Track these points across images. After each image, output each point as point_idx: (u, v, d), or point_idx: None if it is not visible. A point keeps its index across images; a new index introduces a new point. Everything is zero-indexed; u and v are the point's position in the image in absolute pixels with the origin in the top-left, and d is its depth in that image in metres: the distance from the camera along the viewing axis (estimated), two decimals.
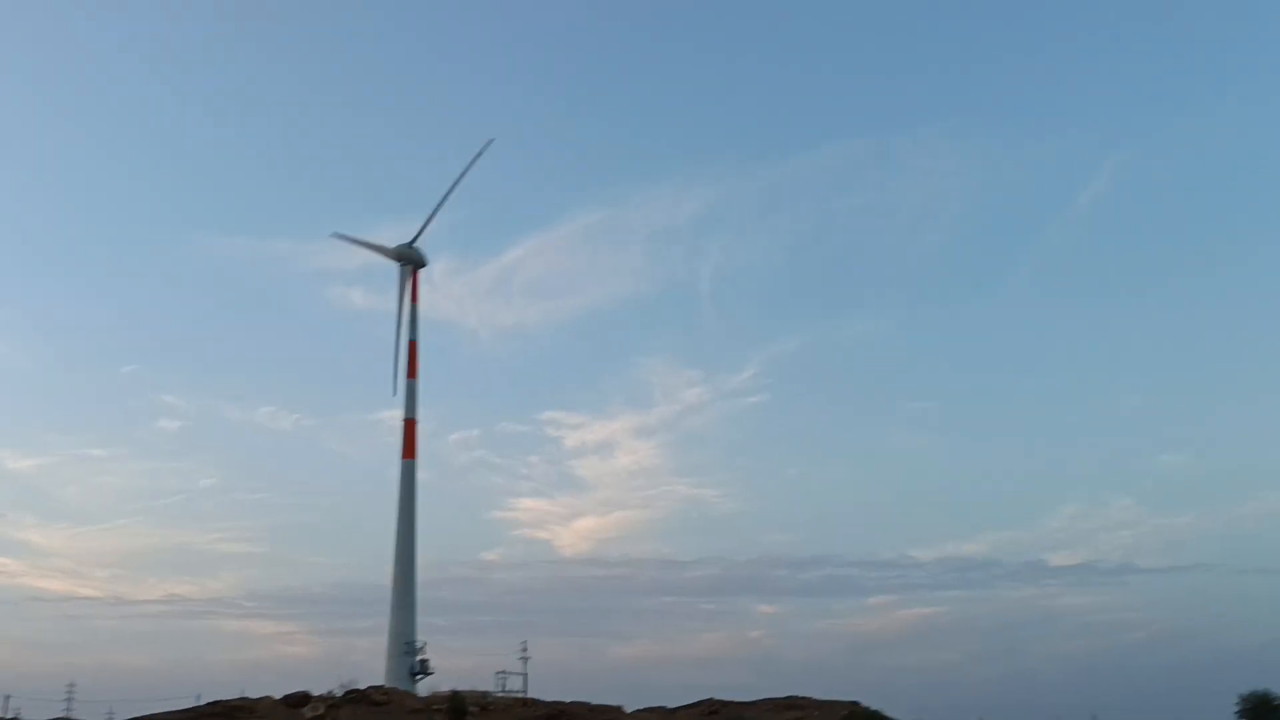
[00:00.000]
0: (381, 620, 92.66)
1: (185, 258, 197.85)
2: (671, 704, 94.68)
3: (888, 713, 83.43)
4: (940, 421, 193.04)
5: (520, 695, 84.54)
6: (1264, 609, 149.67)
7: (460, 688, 78.94)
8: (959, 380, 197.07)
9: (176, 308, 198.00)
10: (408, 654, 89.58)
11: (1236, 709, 77.24)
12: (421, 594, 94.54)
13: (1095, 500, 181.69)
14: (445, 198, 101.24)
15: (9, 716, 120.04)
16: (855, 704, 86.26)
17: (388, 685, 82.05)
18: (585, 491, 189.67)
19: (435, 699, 77.15)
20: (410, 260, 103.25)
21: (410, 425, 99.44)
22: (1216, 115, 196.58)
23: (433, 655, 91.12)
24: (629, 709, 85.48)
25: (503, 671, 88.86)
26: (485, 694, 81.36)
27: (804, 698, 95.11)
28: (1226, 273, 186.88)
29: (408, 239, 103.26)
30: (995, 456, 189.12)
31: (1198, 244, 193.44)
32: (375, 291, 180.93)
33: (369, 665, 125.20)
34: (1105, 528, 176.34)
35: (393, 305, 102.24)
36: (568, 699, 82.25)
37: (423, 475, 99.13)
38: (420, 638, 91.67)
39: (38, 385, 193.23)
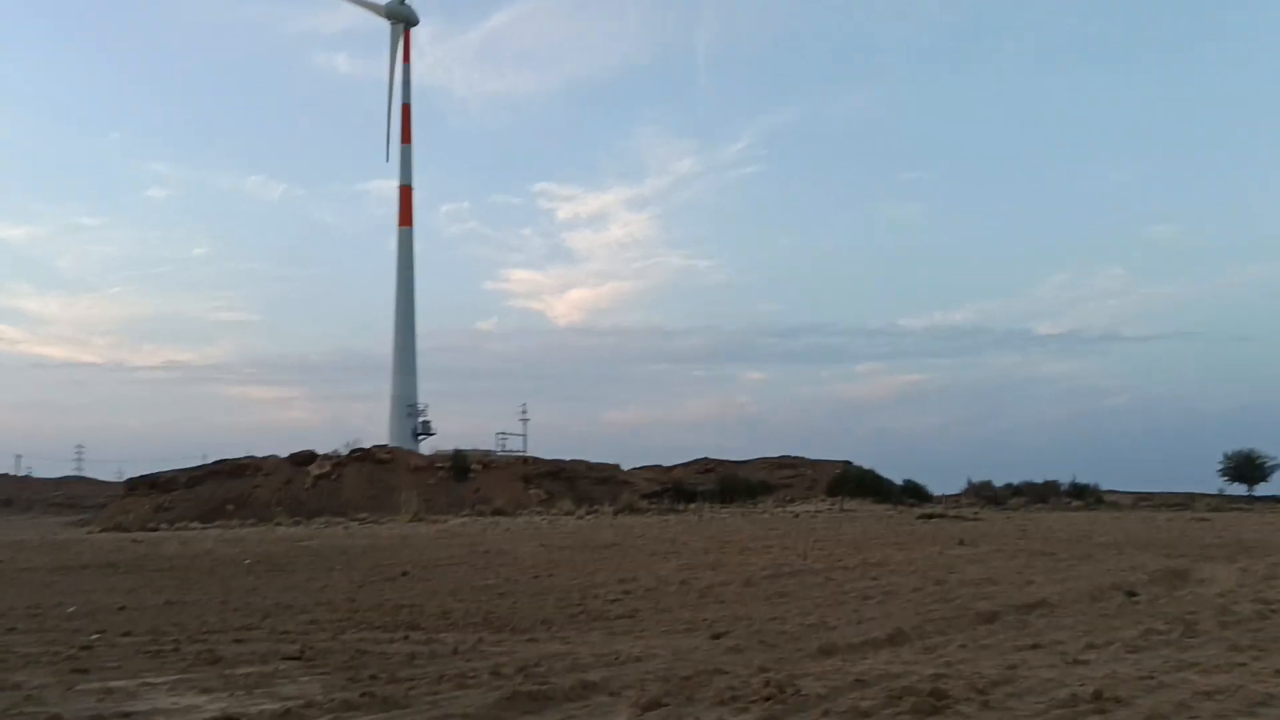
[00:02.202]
0: (379, 386, 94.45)
1: (167, 21, 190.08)
2: (667, 463, 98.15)
3: (877, 473, 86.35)
4: (933, 192, 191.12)
5: (520, 454, 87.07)
6: (1243, 374, 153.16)
7: (462, 447, 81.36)
8: (953, 151, 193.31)
9: (159, 73, 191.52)
10: (410, 415, 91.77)
11: (1220, 467, 80.00)
12: (419, 361, 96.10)
13: (1084, 270, 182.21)
14: None
15: (22, 474, 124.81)
16: (848, 464, 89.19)
17: (391, 445, 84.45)
18: (578, 263, 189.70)
19: (438, 457, 79.53)
20: (402, 18, 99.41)
21: (406, 192, 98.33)
22: None
23: (433, 418, 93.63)
24: (625, 468, 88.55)
25: (502, 432, 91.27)
26: (487, 453, 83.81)
27: (796, 458, 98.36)
28: (1220, 43, 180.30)
29: None
30: (986, 227, 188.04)
31: (1193, 11, 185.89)
32: (361, 56, 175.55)
33: (369, 429, 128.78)
34: (1092, 296, 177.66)
35: (380, 70, 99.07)
36: (565, 458, 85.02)
37: (416, 246, 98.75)
38: (421, 401, 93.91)
39: (22, 152, 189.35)
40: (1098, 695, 8.51)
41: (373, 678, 10.05)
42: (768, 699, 8.54)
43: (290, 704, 8.66)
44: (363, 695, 8.85)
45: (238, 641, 13.03)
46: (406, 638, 13.14)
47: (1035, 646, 11.66)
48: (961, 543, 29.91)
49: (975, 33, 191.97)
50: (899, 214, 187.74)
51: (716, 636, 12.64)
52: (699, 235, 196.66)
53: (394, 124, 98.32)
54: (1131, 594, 17.17)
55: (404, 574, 22.89)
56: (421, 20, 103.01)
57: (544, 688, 9.18)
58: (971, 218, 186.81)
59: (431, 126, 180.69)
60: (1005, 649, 11.57)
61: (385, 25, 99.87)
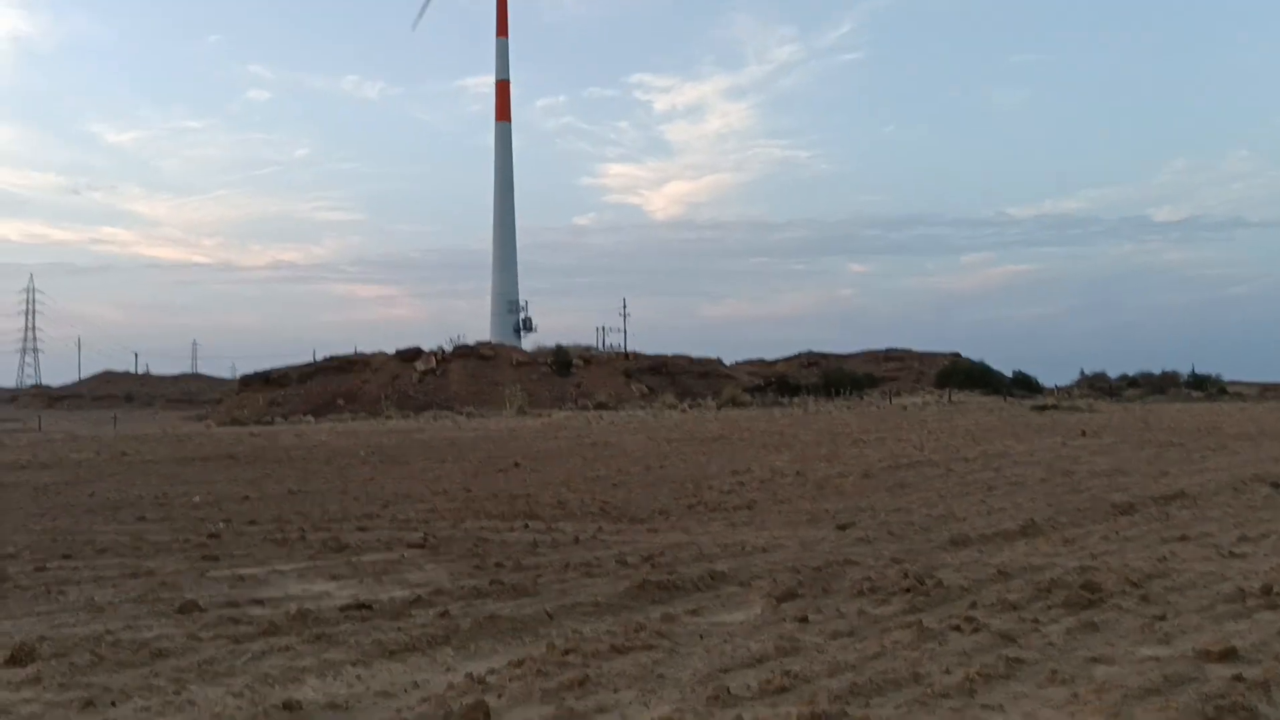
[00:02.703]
0: (480, 283, 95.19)
1: None
2: (768, 357, 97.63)
3: (987, 364, 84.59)
4: (1042, 75, 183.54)
5: (621, 350, 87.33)
6: None
7: (563, 343, 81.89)
8: (1062, 31, 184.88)
9: None
10: (511, 312, 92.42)
11: None
12: (519, 258, 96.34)
13: (1206, 153, 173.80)
14: None
15: (141, 371, 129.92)
16: (956, 355, 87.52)
17: (494, 341, 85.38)
18: (675, 156, 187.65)
19: (541, 353, 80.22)
20: None
21: (503, 86, 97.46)
22: None
23: (534, 315, 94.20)
24: (723, 361, 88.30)
25: (603, 327, 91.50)
26: (588, 348, 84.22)
27: (902, 350, 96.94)
28: None
29: None
30: (1099, 111, 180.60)
31: None
32: None
33: (471, 325, 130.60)
34: (1214, 181, 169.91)
35: None
36: (666, 353, 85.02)
37: (513, 143, 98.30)
38: (521, 298, 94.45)
39: (126, 58, 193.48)
40: (1267, 590, 7.94)
41: (498, 565, 9.95)
42: (908, 590, 8.17)
43: (420, 591, 8.57)
44: (492, 583, 8.72)
45: (361, 530, 13.11)
46: (526, 526, 13.08)
47: (1183, 539, 11.07)
48: (1084, 434, 28.98)
49: None
50: (1007, 99, 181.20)
51: (843, 528, 12.30)
52: (799, 125, 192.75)
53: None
54: (1277, 485, 16.34)
55: (515, 465, 23.00)
56: None
57: (672, 577, 8.94)
58: (1083, 101, 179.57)
59: (526, 21, 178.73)
60: (1150, 541, 11.00)
61: None
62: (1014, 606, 7.52)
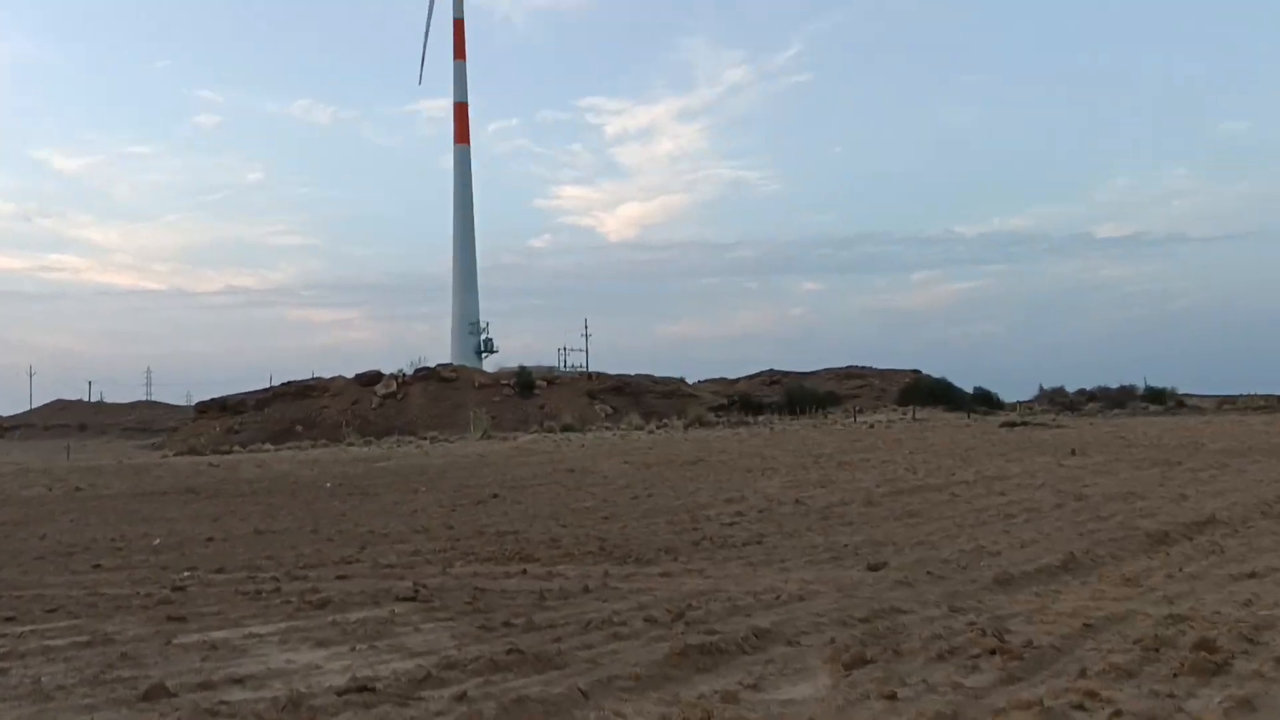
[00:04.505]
0: (439, 305, 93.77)
1: None
2: (730, 376, 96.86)
3: (949, 381, 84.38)
4: (988, 95, 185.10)
5: (583, 371, 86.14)
6: None
7: (525, 364, 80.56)
8: (1008, 51, 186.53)
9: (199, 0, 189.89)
10: (472, 334, 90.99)
11: None
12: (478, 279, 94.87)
13: (1148, 171, 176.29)
14: None
15: (95, 399, 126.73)
16: (917, 372, 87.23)
17: (455, 363, 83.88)
18: (628, 178, 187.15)
19: (503, 374, 78.89)
20: None
21: (461, 109, 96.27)
22: None
23: (493, 336, 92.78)
24: (686, 381, 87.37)
25: (564, 348, 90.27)
26: (551, 369, 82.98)
27: (863, 368, 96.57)
28: None
29: None
30: (1044, 130, 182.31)
31: None
32: None
33: (431, 347, 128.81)
34: (1157, 199, 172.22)
35: None
36: (629, 373, 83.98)
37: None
38: (482, 319, 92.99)
39: (71, 82, 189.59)
40: None
41: (506, 624, 8.78)
42: (993, 652, 7.13)
43: (425, 663, 7.39)
44: (509, 652, 7.55)
45: (341, 578, 11.88)
46: (524, 572, 11.90)
47: (1253, 575, 10.13)
48: (1074, 452, 28.25)
49: None
50: (953, 119, 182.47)
51: (874, 568, 11.25)
52: (750, 146, 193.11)
53: (432, 43, 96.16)
54: None
55: (494, 496, 21.80)
56: None
57: (712, 639, 7.84)
58: (1028, 120, 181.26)
59: (478, 44, 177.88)
60: (1219, 579, 10.06)
61: None
62: (1129, 673, 6.49)
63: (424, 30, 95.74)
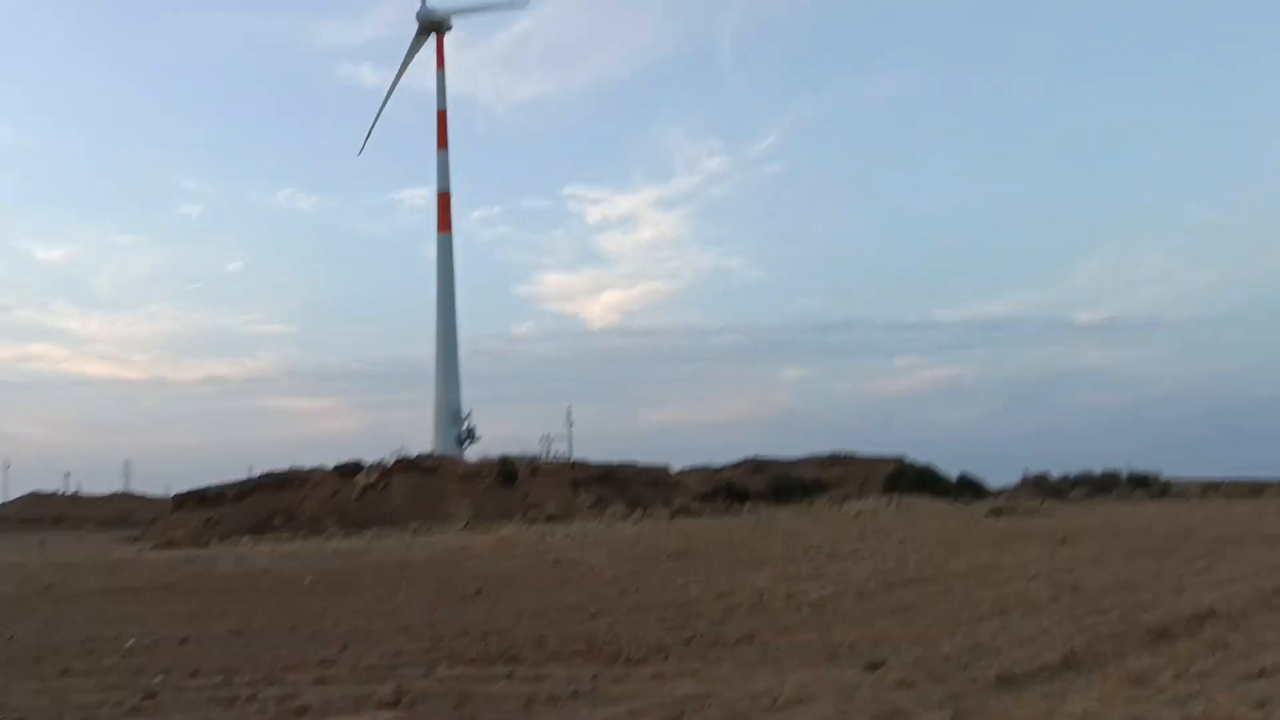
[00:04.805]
0: (419, 394, 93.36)
1: (193, 36, 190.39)
2: (715, 463, 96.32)
3: (934, 468, 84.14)
4: (965, 181, 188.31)
5: (567, 459, 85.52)
6: None
7: (507, 453, 79.92)
8: (984, 138, 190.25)
9: (187, 89, 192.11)
10: (454, 423, 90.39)
11: None
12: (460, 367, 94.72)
13: (1122, 255, 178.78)
14: None
15: (71, 491, 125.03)
16: (901, 459, 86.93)
17: (437, 453, 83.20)
18: (610, 265, 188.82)
19: (485, 464, 78.18)
20: (434, 25, 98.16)
21: (445, 198, 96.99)
22: None
23: (476, 424, 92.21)
24: (670, 469, 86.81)
25: (547, 436, 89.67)
26: (534, 458, 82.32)
27: (847, 455, 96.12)
28: (1265, 17, 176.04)
29: (414, 9, 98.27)
30: (1021, 214, 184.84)
31: None
32: (387, 66, 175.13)
33: (412, 436, 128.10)
34: (1132, 284, 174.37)
35: (410, 79, 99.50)
36: (612, 461, 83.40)
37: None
38: (464, 408, 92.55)
39: (56, 172, 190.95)
40: None
41: None
42: None
43: None
44: None
45: (320, 682, 11.47)
46: (511, 674, 11.52)
47: (1262, 674, 9.87)
48: (1064, 541, 27.97)
49: (1001, 16, 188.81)
50: (931, 204, 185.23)
51: (872, 667, 10.92)
52: (730, 233, 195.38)
53: (380, 118, 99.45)
54: None
55: (478, 592, 21.32)
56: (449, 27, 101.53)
57: None
58: (1005, 205, 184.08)
59: (460, 133, 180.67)
60: (1230, 678, 9.79)
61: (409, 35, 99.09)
62: None
63: (380, 104, 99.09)
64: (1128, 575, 19.20)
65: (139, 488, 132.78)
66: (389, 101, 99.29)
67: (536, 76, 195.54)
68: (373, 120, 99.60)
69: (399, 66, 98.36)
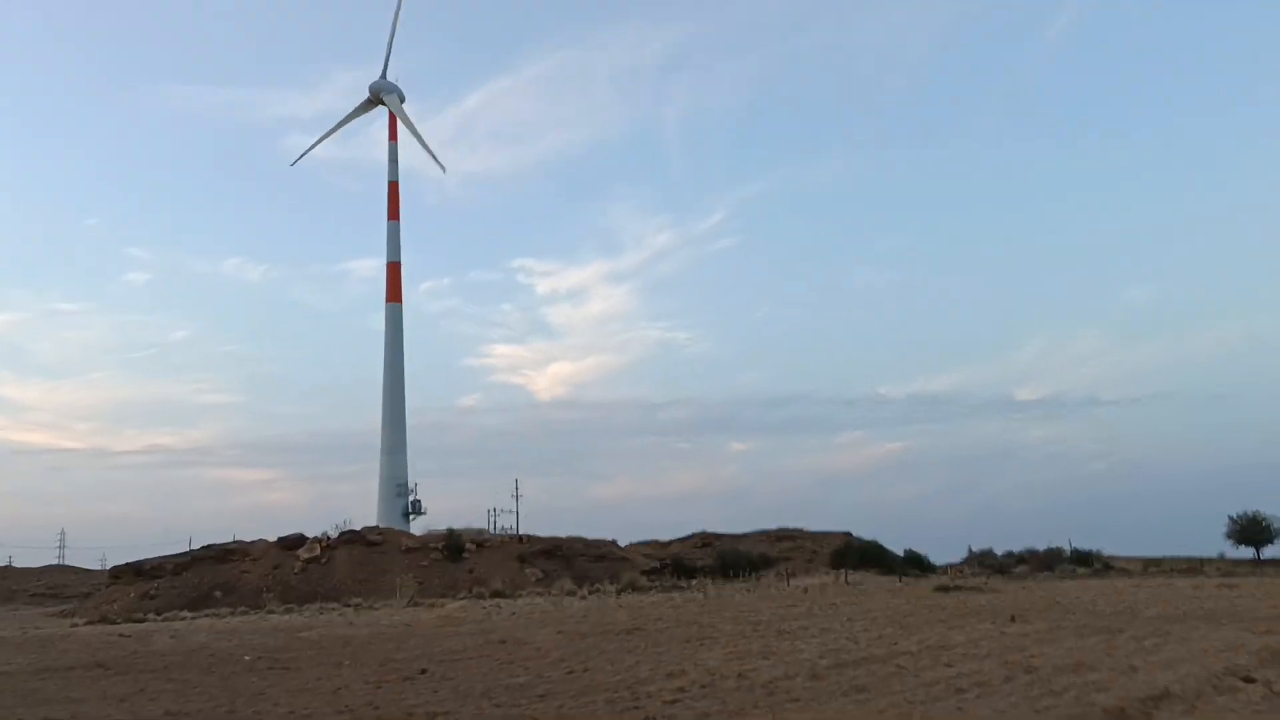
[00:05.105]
0: (363, 465, 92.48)
1: (143, 107, 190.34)
2: (662, 538, 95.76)
3: (880, 544, 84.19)
4: (908, 260, 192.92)
5: (514, 533, 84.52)
6: (1224, 433, 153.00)
7: (454, 526, 78.86)
8: (926, 218, 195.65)
9: (136, 159, 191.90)
10: (400, 495, 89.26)
11: (1226, 530, 78.25)
12: (407, 439, 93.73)
13: (1061, 334, 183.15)
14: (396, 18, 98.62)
15: (2, 563, 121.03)
16: (848, 535, 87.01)
17: (382, 525, 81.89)
18: (558, 337, 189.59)
19: (431, 537, 77.02)
20: (384, 97, 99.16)
21: (394, 268, 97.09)
22: None
23: (422, 496, 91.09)
24: (618, 543, 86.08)
25: (494, 509, 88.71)
26: (481, 531, 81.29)
27: (795, 529, 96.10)
28: (1193, 105, 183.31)
29: (367, 83, 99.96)
30: (963, 293, 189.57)
31: (1165, 77, 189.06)
32: (336, 141, 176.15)
33: (356, 509, 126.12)
34: (1071, 362, 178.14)
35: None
36: (560, 534, 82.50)
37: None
38: (410, 480, 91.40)
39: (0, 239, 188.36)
40: None
41: None
42: None
43: None
44: None
45: None
46: None
47: None
48: (1014, 619, 27.97)
49: (944, 101, 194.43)
50: (875, 282, 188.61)
51: None
52: (677, 308, 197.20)
53: (316, 144, 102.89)
54: (1249, 679, 15.38)
55: (423, 671, 20.80)
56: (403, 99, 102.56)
57: None
58: (948, 284, 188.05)
59: (410, 205, 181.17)
60: None
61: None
62: None
63: (312, 143, 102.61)
64: (1080, 654, 19.18)
65: (74, 560, 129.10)
66: (325, 140, 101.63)
67: (487, 151, 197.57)
68: (312, 144, 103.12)
69: (337, 121, 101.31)
